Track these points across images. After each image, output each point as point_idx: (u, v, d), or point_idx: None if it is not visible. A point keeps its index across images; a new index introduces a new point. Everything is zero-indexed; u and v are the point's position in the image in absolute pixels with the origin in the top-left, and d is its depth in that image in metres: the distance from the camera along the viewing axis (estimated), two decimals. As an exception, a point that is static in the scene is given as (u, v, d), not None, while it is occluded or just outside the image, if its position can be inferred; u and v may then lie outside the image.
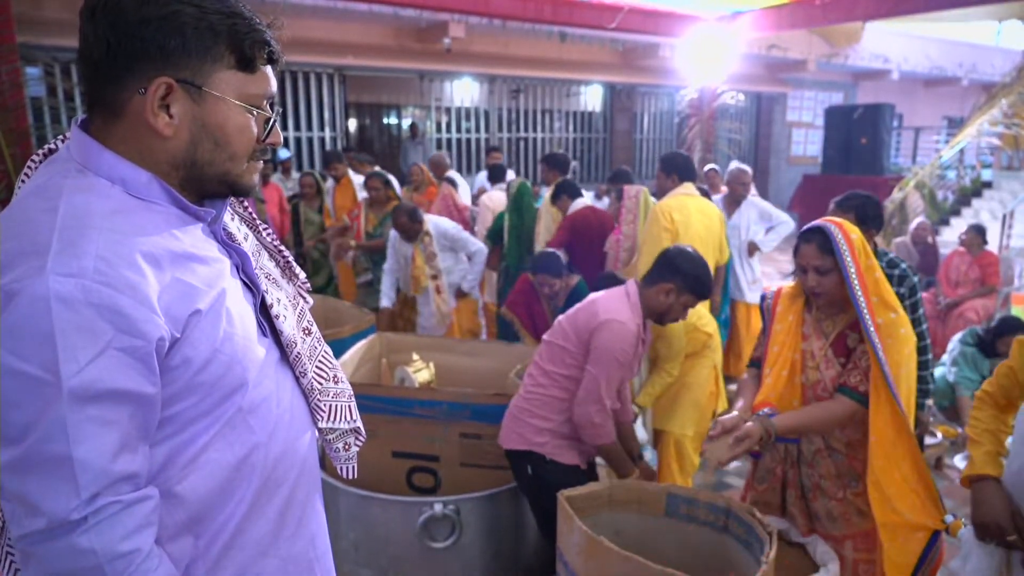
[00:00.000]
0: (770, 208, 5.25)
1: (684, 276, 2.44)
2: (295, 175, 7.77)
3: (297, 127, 9.34)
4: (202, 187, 0.99)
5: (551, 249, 3.96)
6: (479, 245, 4.60)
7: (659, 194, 4.17)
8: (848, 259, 1.94)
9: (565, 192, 4.77)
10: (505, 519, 2.66)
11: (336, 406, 1.17)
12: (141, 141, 0.93)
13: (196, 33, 0.90)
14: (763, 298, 2.29)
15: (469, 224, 6.07)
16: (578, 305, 2.55)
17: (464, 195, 6.60)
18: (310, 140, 9.84)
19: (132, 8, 0.89)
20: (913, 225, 6.68)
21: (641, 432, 3.07)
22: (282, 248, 1.19)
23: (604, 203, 5.99)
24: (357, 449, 1.22)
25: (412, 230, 4.33)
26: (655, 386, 3.14)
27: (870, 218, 2.79)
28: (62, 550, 0.83)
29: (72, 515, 0.82)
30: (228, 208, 1.10)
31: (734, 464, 3.97)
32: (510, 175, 7.19)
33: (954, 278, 5.76)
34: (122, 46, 0.89)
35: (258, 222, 1.18)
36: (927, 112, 16.30)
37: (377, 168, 6.57)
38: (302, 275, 1.22)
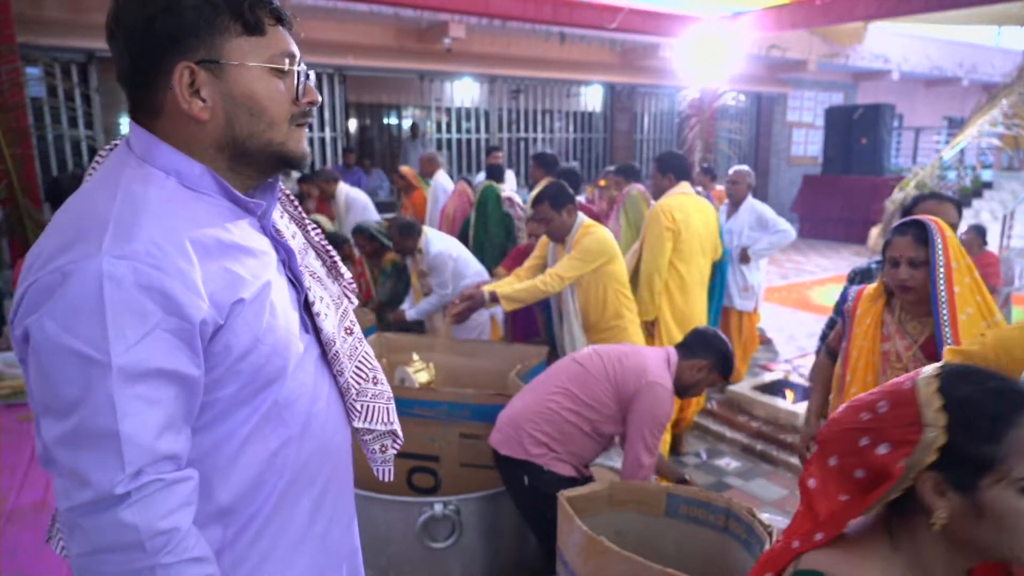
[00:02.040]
0: (771, 215, 5.06)
1: (719, 356, 2.56)
2: (294, 174, 7.75)
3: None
4: (252, 163, 1.02)
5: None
6: (445, 289, 4.13)
7: (656, 194, 4.19)
8: (940, 253, 1.92)
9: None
10: (505, 519, 2.66)
11: (373, 407, 1.19)
12: (184, 131, 0.97)
13: (196, 12, 0.93)
14: (843, 300, 2.27)
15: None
16: (622, 347, 2.61)
17: (443, 198, 6.37)
18: (311, 140, 9.83)
19: (136, 12, 0.93)
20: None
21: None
22: (329, 248, 1.22)
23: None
24: (394, 452, 1.24)
25: (403, 246, 4.17)
26: (523, 291, 3.21)
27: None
28: (106, 523, 0.85)
29: (117, 489, 0.84)
30: (278, 205, 1.13)
31: (733, 464, 4.01)
32: (509, 175, 7.19)
33: (954, 278, 5.75)
34: (141, 52, 0.95)
35: (306, 221, 1.20)
36: (927, 112, 16.29)
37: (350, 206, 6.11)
38: (348, 275, 1.25)
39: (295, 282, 1.08)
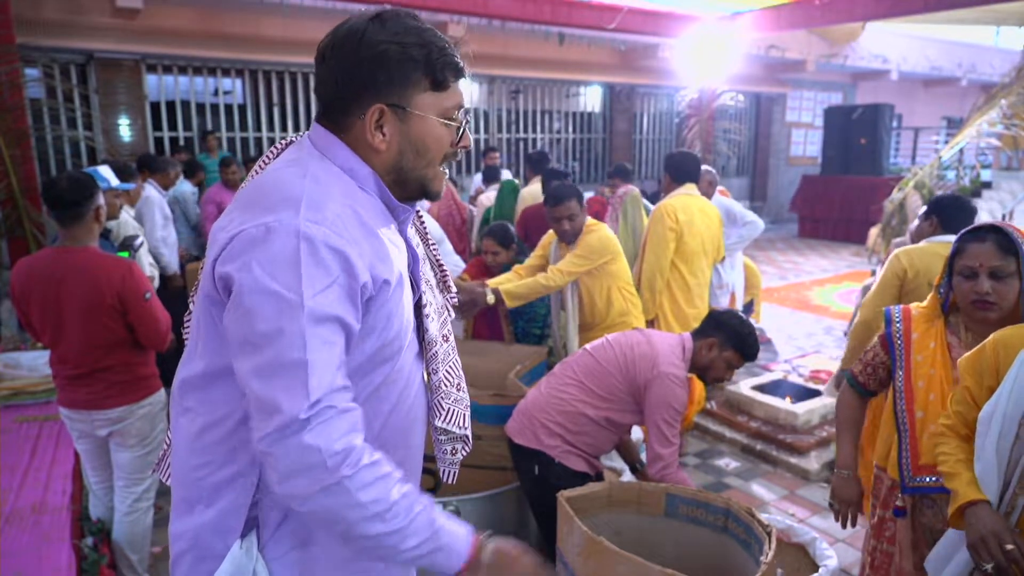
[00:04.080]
0: (738, 209, 5.13)
1: (727, 331, 2.53)
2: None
3: (296, 127, 9.33)
4: (403, 190, 1.20)
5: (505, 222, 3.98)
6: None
7: (666, 195, 4.19)
8: None
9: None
10: (505, 519, 2.66)
11: (454, 410, 1.31)
12: (362, 150, 1.15)
13: (399, 66, 1.11)
14: (888, 323, 1.98)
15: (467, 223, 6.08)
16: (634, 336, 2.58)
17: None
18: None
19: (351, 52, 1.11)
20: (913, 226, 6.68)
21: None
22: (442, 264, 1.39)
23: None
24: (462, 456, 1.36)
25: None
26: (525, 287, 3.21)
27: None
28: (293, 447, 0.97)
29: (301, 414, 0.97)
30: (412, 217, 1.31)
31: (733, 464, 4.01)
32: (506, 175, 7.20)
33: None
34: (346, 83, 1.12)
35: (428, 236, 1.38)
36: (926, 112, 16.31)
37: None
38: (454, 290, 1.42)
39: (414, 284, 1.23)
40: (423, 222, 1.38)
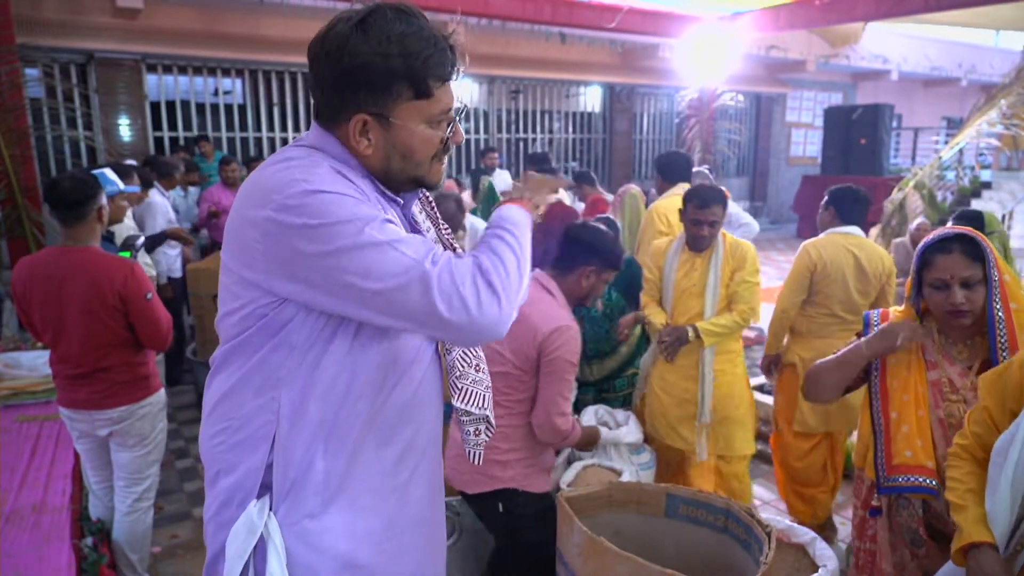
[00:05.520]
0: (734, 211, 5.05)
1: (602, 254, 2.36)
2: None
3: (296, 127, 9.33)
4: (397, 187, 1.24)
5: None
6: None
7: (658, 195, 4.20)
8: (994, 269, 1.72)
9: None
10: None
11: (473, 392, 1.35)
12: (351, 150, 1.19)
13: (380, 78, 1.12)
14: (866, 326, 2.02)
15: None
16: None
17: None
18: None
19: (335, 61, 1.13)
20: (913, 226, 6.68)
21: (635, 432, 3.06)
22: (456, 247, 1.39)
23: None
24: (487, 439, 1.40)
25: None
26: (722, 327, 2.92)
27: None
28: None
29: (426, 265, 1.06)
30: (419, 204, 1.34)
31: (734, 464, 4.00)
32: (505, 175, 7.21)
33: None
34: (331, 92, 1.16)
35: (440, 221, 1.40)
36: (926, 112, 16.32)
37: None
38: None
39: None
40: (433, 207, 1.39)
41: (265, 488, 1.17)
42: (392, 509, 1.25)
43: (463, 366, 1.34)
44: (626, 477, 2.72)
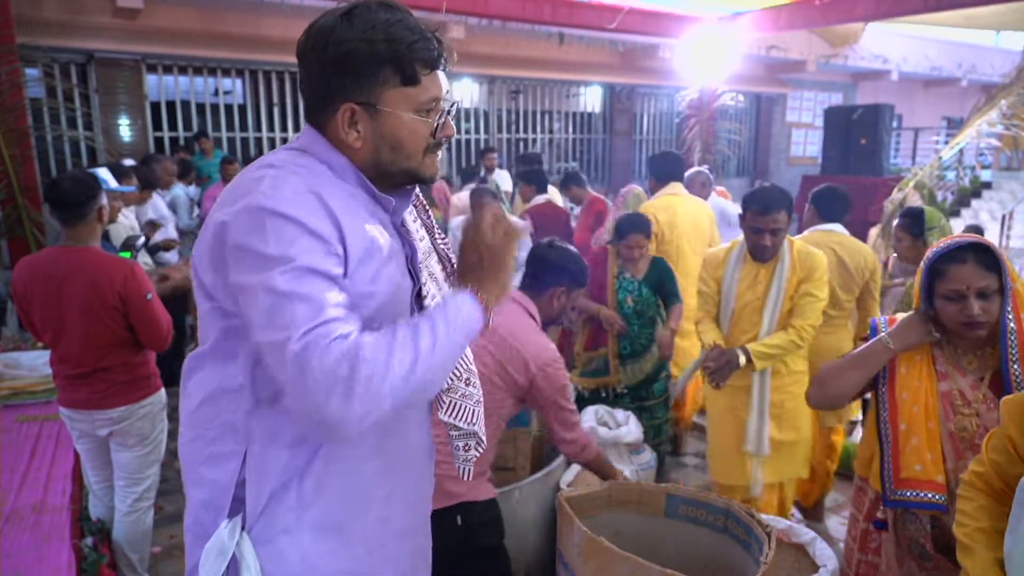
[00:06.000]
0: (732, 211, 5.04)
1: (571, 274, 2.36)
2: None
3: (296, 127, 9.33)
4: (391, 181, 1.21)
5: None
6: None
7: (651, 195, 4.23)
8: (1008, 278, 1.67)
9: (534, 182, 4.83)
10: (505, 521, 2.66)
11: (461, 405, 1.31)
12: (340, 147, 1.17)
13: (366, 64, 1.12)
14: (873, 331, 1.94)
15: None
16: (489, 343, 2.19)
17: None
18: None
19: (321, 52, 1.12)
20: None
21: (635, 432, 3.06)
22: (452, 257, 1.36)
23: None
24: (476, 455, 1.36)
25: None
26: (776, 347, 2.63)
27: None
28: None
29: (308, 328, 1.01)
30: (413, 211, 1.31)
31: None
32: (504, 176, 7.20)
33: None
34: (318, 83, 1.15)
35: (436, 229, 1.37)
36: (926, 113, 16.31)
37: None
38: None
39: (413, 276, 1.24)
40: (429, 215, 1.37)
41: (239, 502, 1.14)
42: (373, 522, 1.21)
43: (452, 379, 1.29)
44: (626, 477, 2.73)
